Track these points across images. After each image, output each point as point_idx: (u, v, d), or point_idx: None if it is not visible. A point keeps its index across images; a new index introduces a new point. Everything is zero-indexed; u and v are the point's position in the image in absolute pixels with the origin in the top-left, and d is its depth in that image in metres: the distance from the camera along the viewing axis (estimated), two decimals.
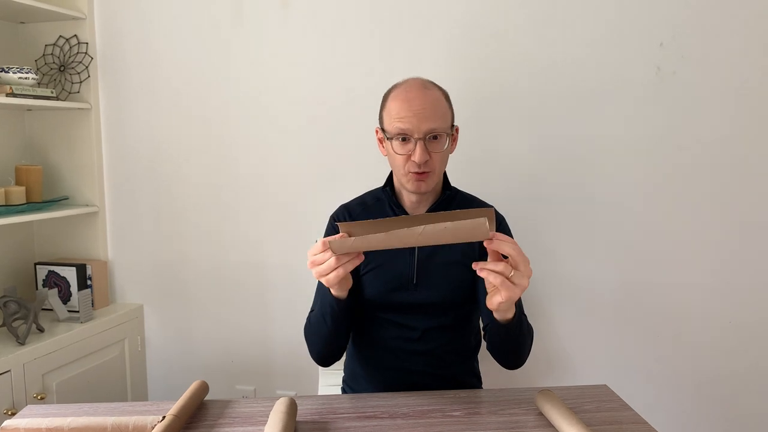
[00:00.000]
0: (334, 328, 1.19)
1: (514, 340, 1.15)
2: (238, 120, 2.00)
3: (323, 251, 0.99)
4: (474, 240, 0.90)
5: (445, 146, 1.24)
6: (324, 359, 1.28)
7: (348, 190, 1.48)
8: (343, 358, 1.44)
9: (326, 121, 1.94)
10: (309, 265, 1.02)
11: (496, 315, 1.07)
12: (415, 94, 1.22)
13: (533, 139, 1.82)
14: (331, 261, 0.99)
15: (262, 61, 1.96)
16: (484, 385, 1.43)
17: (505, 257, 0.95)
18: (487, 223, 0.88)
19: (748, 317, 1.76)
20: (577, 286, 1.85)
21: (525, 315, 1.21)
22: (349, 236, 0.96)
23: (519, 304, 1.06)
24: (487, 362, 1.49)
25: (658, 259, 1.79)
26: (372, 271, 1.27)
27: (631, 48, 1.74)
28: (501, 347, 1.19)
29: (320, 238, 1.45)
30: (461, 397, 1.16)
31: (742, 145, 1.71)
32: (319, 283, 1.30)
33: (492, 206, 1.36)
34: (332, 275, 1.00)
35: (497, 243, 0.93)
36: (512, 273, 0.93)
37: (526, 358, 1.24)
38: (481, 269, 0.95)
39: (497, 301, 0.97)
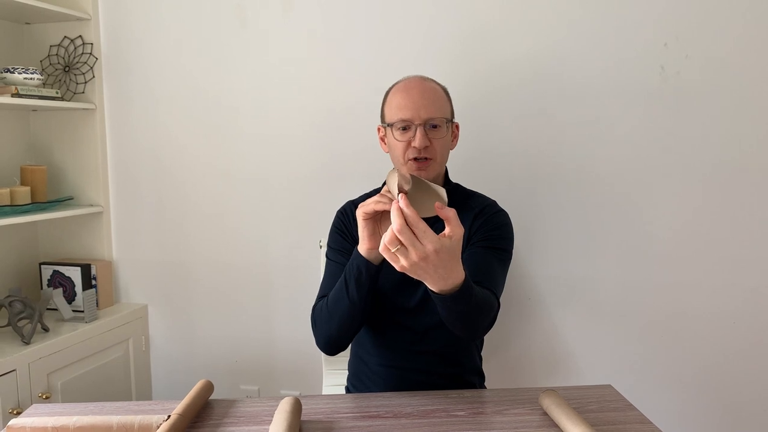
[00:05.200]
0: (357, 297, 1.15)
1: (449, 313, 1.04)
2: (242, 121, 2.01)
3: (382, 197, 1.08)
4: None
5: (445, 135, 1.27)
6: (332, 343, 1.24)
7: (351, 190, 1.49)
8: (348, 357, 1.44)
9: (329, 122, 1.94)
10: (360, 207, 1.10)
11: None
12: (415, 84, 1.29)
13: (535, 139, 1.82)
14: (377, 196, 1.07)
15: (265, 63, 1.97)
16: (487, 384, 1.44)
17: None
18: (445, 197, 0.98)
19: (753, 317, 1.76)
20: (580, 286, 1.85)
21: (476, 295, 1.04)
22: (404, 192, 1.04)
23: (463, 289, 0.97)
24: (490, 362, 1.49)
25: (662, 258, 1.79)
26: None
27: (635, 48, 1.73)
28: (439, 312, 1.07)
29: (324, 241, 1.46)
30: (465, 397, 1.16)
31: (746, 145, 1.71)
32: (331, 268, 1.31)
33: (494, 200, 1.37)
34: (367, 207, 1.08)
35: (394, 209, 0.87)
36: (396, 248, 0.87)
37: (481, 333, 1.17)
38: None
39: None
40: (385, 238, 0.88)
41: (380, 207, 1.06)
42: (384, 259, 1.13)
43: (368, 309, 1.20)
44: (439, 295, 0.97)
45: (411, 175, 1.06)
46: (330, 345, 1.25)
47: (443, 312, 1.05)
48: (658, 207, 1.78)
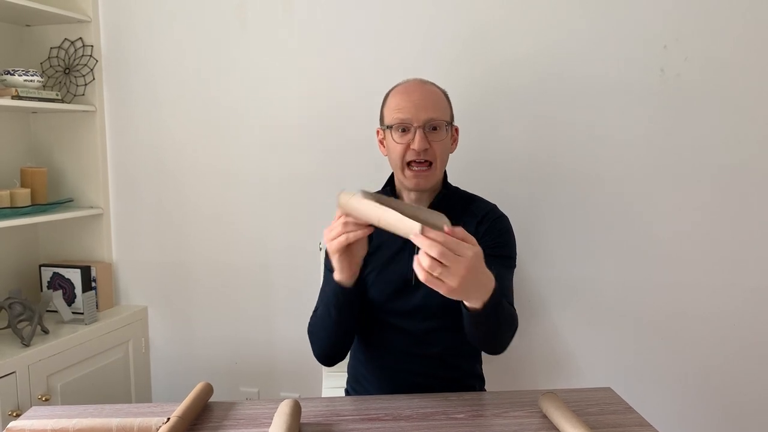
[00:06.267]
0: (339, 319, 1.17)
1: (485, 328, 1.06)
2: (242, 123, 2.01)
3: (338, 218, 1.02)
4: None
5: (445, 138, 1.26)
6: (327, 357, 1.27)
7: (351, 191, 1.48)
8: (347, 360, 1.44)
9: (329, 122, 1.94)
10: (324, 234, 1.05)
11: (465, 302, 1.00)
12: (414, 87, 1.28)
13: (535, 141, 1.82)
14: (338, 226, 1.01)
15: (265, 64, 1.97)
16: (487, 387, 1.43)
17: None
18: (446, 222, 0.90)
19: (753, 318, 1.75)
20: (580, 288, 1.85)
21: (504, 304, 1.08)
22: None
23: (496, 293, 0.97)
24: (490, 364, 1.49)
25: (662, 260, 1.79)
26: (373, 273, 1.27)
27: (635, 50, 1.73)
28: (473, 332, 1.10)
29: (324, 242, 1.46)
30: (465, 400, 1.16)
31: (745, 147, 1.71)
32: (324, 280, 1.31)
33: (494, 205, 1.37)
34: (337, 241, 1.02)
35: (422, 239, 0.85)
36: (438, 271, 0.85)
37: (506, 346, 1.18)
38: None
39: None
40: (424, 264, 0.84)
41: (354, 237, 1.01)
42: (358, 279, 1.12)
43: (355, 324, 1.23)
44: (479, 310, 0.96)
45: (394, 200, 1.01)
46: (325, 357, 1.28)
47: (475, 327, 1.04)
48: (658, 207, 1.78)
